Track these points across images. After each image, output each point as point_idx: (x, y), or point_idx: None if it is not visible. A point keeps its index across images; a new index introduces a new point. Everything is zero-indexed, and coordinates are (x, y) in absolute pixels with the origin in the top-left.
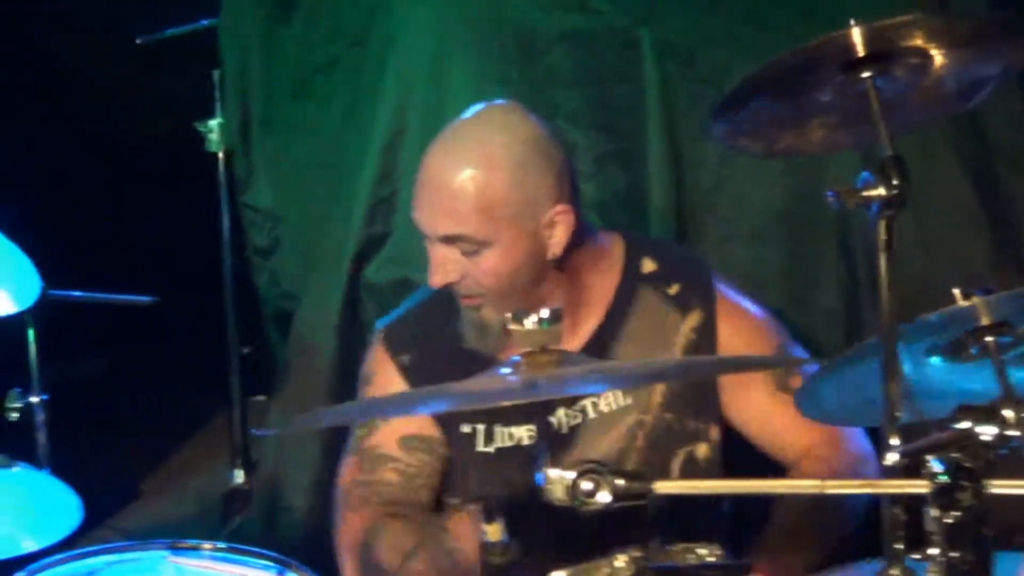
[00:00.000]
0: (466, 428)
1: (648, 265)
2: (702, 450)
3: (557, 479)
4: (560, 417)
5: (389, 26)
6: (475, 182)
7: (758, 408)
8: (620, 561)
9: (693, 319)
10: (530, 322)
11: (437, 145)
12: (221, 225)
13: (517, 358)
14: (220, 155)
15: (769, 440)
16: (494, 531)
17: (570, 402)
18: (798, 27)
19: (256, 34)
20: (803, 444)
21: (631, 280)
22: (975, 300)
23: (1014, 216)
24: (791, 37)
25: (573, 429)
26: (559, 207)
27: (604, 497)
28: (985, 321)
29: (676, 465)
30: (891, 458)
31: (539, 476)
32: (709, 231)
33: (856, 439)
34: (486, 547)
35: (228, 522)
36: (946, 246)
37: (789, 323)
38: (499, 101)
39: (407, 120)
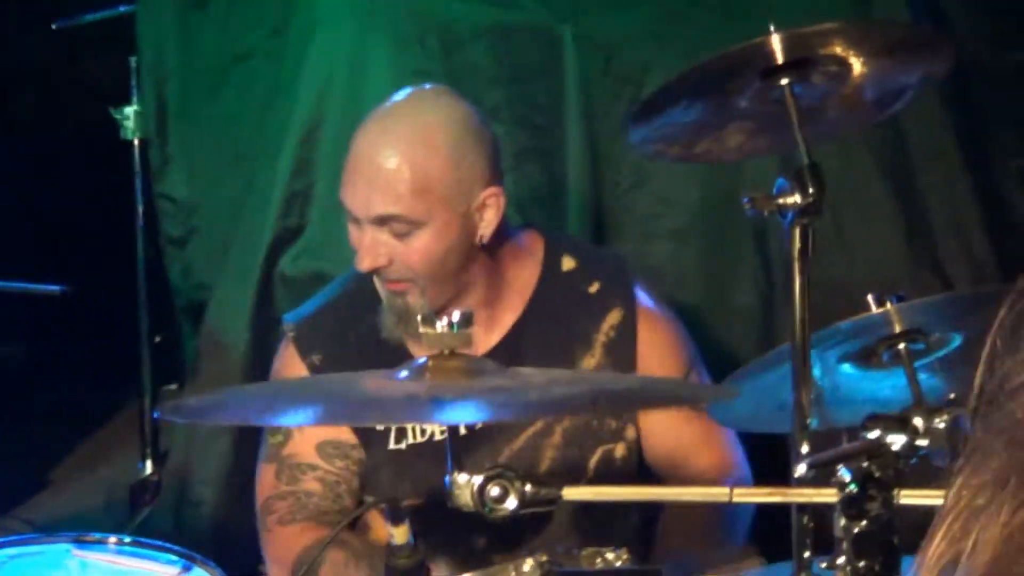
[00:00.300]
0: (380, 426)
1: (568, 263)
2: (620, 450)
3: (464, 484)
4: None
5: (308, 17)
6: (412, 161)
7: (663, 422)
8: (527, 565)
9: (613, 317)
10: (441, 325)
11: (370, 125)
12: (135, 214)
13: (424, 360)
14: (136, 143)
15: (667, 456)
16: (400, 533)
17: None
18: (720, 27)
19: (174, 22)
20: (699, 466)
21: (550, 277)
22: (888, 307)
23: (931, 221)
24: (713, 36)
25: (488, 425)
26: (491, 189)
27: (512, 503)
28: (898, 328)
29: (593, 463)
30: (801, 469)
31: (446, 480)
32: (628, 229)
33: (744, 467)
34: (392, 549)
35: (136, 513)
36: (865, 250)
37: (706, 322)
38: (428, 85)
39: (325, 112)
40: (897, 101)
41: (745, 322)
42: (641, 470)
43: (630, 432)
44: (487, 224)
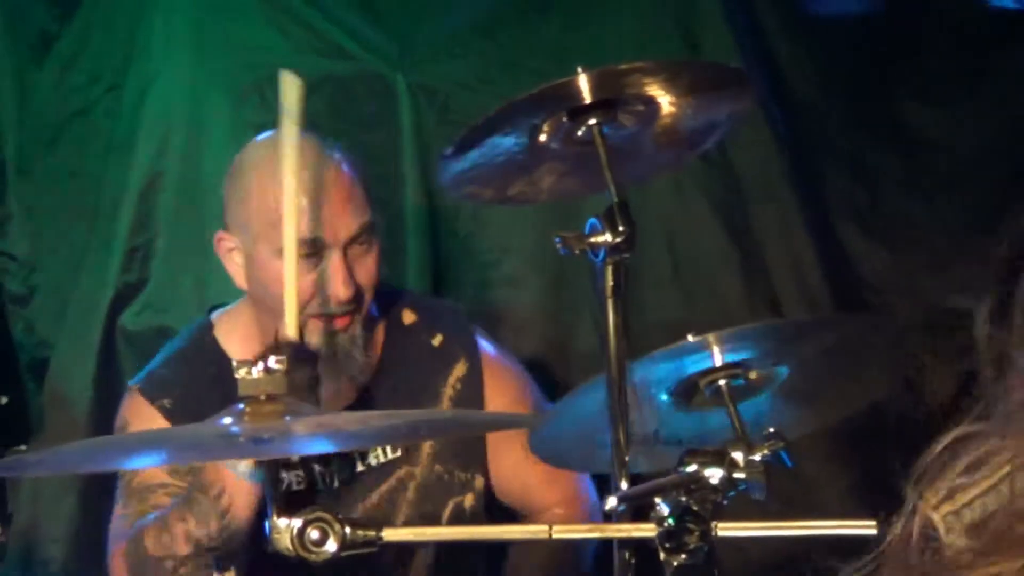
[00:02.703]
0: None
1: (408, 316)
2: (469, 500)
3: (284, 528)
4: (332, 471)
5: (145, 71)
6: (351, 170)
7: (511, 465)
8: None
9: (459, 369)
10: (257, 371)
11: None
12: None
13: (241, 406)
14: None
15: (518, 497)
16: None
17: (340, 455)
18: (554, 73)
19: (10, 78)
20: (547, 502)
21: (395, 332)
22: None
23: (766, 260)
24: (546, 82)
25: (343, 483)
26: None
27: (331, 547)
28: (718, 362)
29: (446, 516)
30: (611, 503)
31: (266, 525)
32: (466, 277)
33: (591, 498)
34: None
35: None
36: (702, 287)
37: (548, 368)
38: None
39: (164, 166)
40: (707, 139)
41: (586, 365)
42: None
43: (478, 483)
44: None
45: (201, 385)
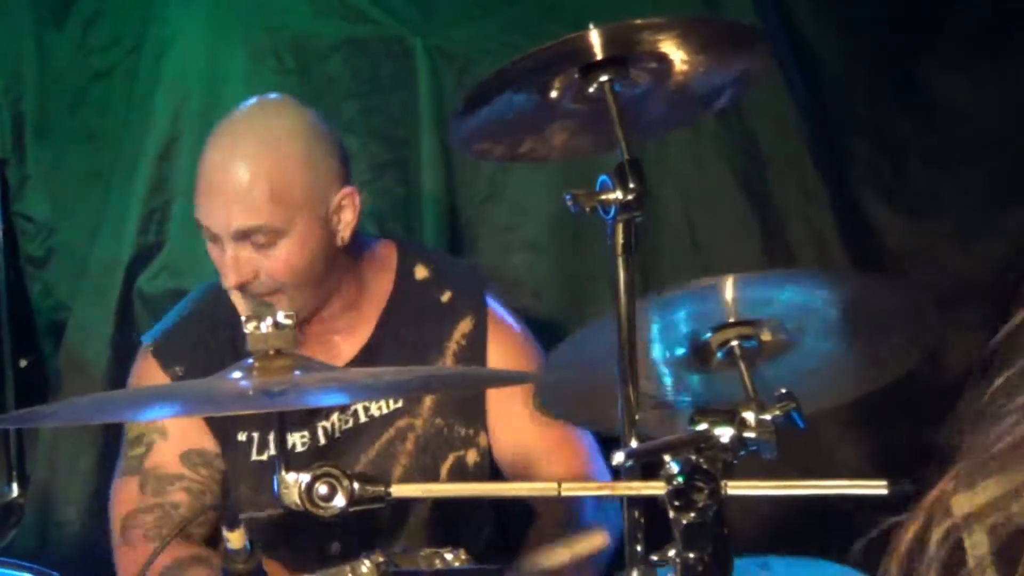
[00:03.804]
0: (242, 436)
1: (421, 272)
2: (472, 456)
3: (292, 483)
4: (333, 421)
5: (163, 34)
6: (268, 170)
7: (514, 432)
8: (365, 566)
9: (465, 326)
10: (266, 325)
11: (218, 141)
12: None
13: (250, 361)
14: None
15: (521, 468)
16: (236, 538)
17: (343, 407)
18: None
19: (30, 40)
20: (549, 474)
21: (404, 286)
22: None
23: (787, 230)
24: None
25: (346, 433)
26: (345, 189)
27: (340, 501)
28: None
29: (445, 470)
30: (618, 458)
31: (274, 480)
32: (484, 241)
33: (602, 476)
34: (228, 555)
35: (2, 536)
36: (721, 255)
37: (564, 332)
38: (272, 95)
39: (181, 129)
40: (722, 97)
41: None
42: (497, 477)
43: (483, 440)
44: (346, 225)
45: (214, 349)
